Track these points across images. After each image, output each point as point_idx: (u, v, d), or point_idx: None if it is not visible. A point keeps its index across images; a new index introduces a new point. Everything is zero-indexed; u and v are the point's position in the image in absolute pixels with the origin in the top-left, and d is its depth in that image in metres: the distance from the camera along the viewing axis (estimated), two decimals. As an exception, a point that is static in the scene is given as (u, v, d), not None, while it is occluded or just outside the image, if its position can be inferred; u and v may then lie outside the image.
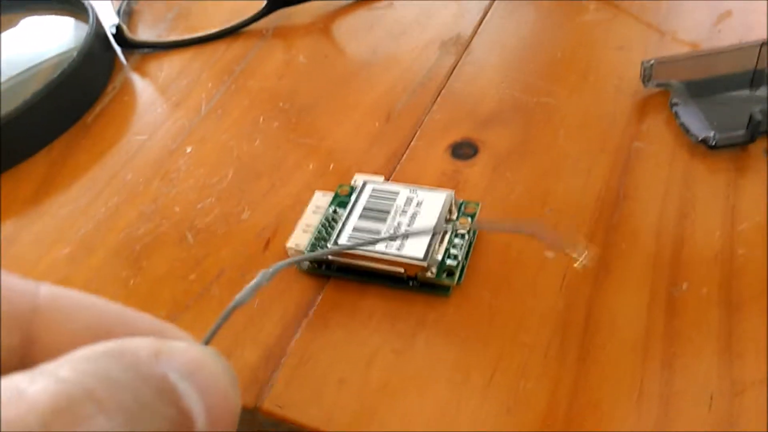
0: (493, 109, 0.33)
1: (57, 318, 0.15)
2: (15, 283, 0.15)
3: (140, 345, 0.13)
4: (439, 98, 0.34)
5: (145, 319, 0.16)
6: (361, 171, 0.31)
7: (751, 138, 0.28)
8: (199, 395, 0.14)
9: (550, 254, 0.26)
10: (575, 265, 0.25)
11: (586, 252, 0.25)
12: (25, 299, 0.15)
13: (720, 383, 0.22)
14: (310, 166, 0.32)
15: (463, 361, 0.24)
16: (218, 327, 0.18)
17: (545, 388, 0.23)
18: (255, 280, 0.19)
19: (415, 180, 0.30)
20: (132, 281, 0.28)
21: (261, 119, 0.35)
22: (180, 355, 0.14)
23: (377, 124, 0.34)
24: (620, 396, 0.22)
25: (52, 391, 0.11)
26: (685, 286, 0.25)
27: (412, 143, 0.32)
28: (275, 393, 0.23)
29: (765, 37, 0.31)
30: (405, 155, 0.32)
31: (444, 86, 0.35)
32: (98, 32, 0.39)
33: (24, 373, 0.12)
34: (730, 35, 0.35)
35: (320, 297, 0.26)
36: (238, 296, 0.18)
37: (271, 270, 0.19)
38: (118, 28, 0.40)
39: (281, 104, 0.36)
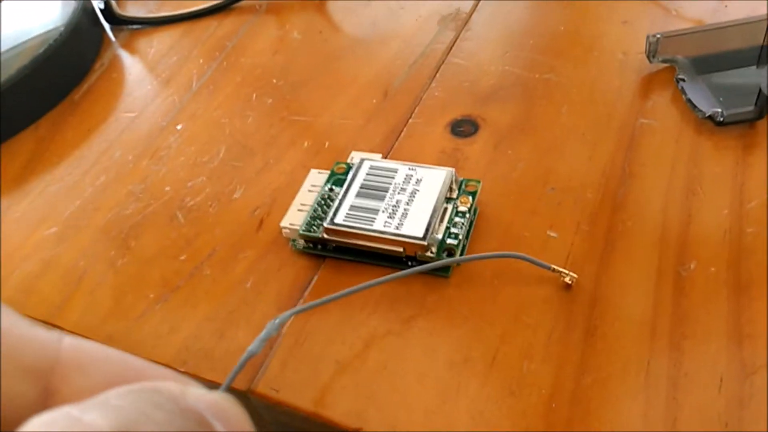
0: (493, 86, 0.32)
1: (78, 371, 0.15)
2: (38, 335, 0.15)
3: (169, 385, 0.14)
4: (438, 74, 0.33)
5: (166, 373, 0.16)
6: (357, 148, 0.30)
7: (760, 114, 0.28)
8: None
9: (553, 233, 0.26)
10: (566, 279, 0.24)
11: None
12: (47, 351, 0.15)
13: (729, 365, 0.21)
14: (305, 144, 0.31)
15: (464, 342, 0.23)
16: (232, 379, 0.20)
17: (550, 369, 0.22)
18: (264, 332, 0.21)
19: (413, 158, 0.29)
20: (120, 261, 0.27)
21: (254, 96, 0.34)
22: (205, 396, 0.14)
23: (374, 100, 0.33)
24: (627, 377, 0.21)
25: (112, 416, 0.12)
26: (692, 265, 0.24)
27: (410, 120, 0.31)
28: (270, 375, 0.23)
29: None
30: (403, 133, 0.31)
31: (443, 62, 0.34)
32: (86, 8, 0.38)
33: (70, 405, 0.12)
34: (736, 11, 0.34)
35: (316, 277, 0.25)
36: (250, 347, 0.21)
37: (278, 321, 0.21)
38: (107, 3, 0.39)
39: (274, 81, 0.35)
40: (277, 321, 0.21)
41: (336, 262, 0.26)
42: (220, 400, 0.15)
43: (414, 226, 0.24)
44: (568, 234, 0.25)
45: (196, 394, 0.14)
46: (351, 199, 0.26)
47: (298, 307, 0.23)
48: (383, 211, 0.25)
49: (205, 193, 0.29)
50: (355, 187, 0.26)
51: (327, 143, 0.31)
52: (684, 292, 0.23)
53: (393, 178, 0.26)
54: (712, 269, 0.24)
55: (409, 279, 0.25)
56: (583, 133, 0.29)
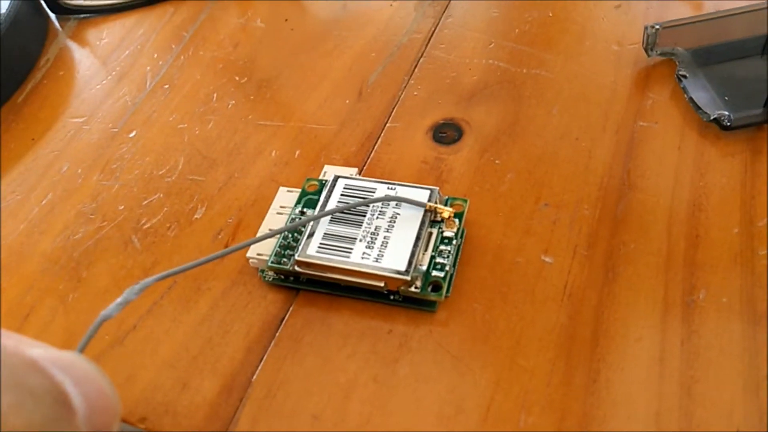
0: (477, 83, 0.29)
1: None
2: None
3: (5, 340, 0.14)
4: (416, 69, 0.31)
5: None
6: (330, 158, 0.27)
7: (770, 117, 0.25)
8: (76, 386, 0.15)
9: (548, 258, 0.23)
10: (443, 215, 0.22)
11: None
12: None
13: (746, 415, 0.19)
14: (273, 153, 0.28)
15: (455, 390, 0.21)
16: (85, 344, 0.19)
17: (550, 422, 0.20)
18: (121, 297, 0.19)
19: (392, 170, 0.26)
20: (71, 295, 0.24)
21: (214, 96, 0.31)
22: (52, 352, 0.15)
23: (348, 101, 0.30)
24: (635, 426, 0.19)
25: None
26: (702, 294, 0.22)
27: (387, 125, 0.28)
28: (239, 436, 0.20)
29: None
30: (380, 139, 0.28)
31: (422, 54, 0.31)
32: (25, -4, 0.34)
33: None
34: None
35: (288, 314, 0.23)
36: (104, 311, 0.19)
37: (138, 286, 0.20)
38: (49, -11, 0.35)
39: (237, 78, 0.31)
40: (137, 286, 0.20)
41: (311, 295, 0.23)
42: (67, 355, 0.15)
43: (395, 258, 0.22)
44: (565, 259, 0.23)
45: (44, 350, 0.15)
46: (324, 225, 0.23)
47: (162, 274, 0.20)
48: (360, 240, 0.23)
49: (163, 212, 0.26)
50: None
51: (297, 152, 0.28)
52: (693, 327, 0.21)
53: (371, 199, 0.24)
54: (724, 300, 0.22)
55: (391, 314, 0.23)
56: (576, 138, 0.27)
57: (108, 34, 0.35)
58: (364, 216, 0.23)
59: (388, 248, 0.22)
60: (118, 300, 0.19)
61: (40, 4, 0.35)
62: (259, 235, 0.24)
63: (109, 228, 0.26)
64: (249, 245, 0.23)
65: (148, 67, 0.33)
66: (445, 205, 0.24)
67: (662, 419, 0.19)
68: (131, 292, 0.20)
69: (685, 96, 0.27)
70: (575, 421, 0.20)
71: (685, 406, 0.20)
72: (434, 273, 0.22)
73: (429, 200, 0.23)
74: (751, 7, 0.28)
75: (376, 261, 0.22)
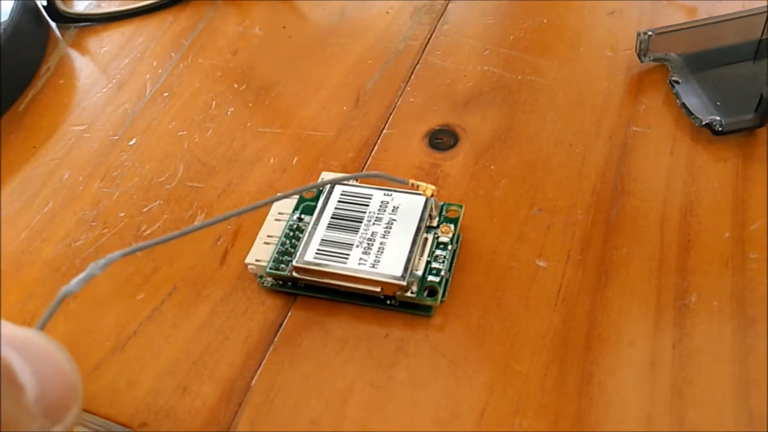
0: (472, 89, 0.30)
1: None
2: None
3: None
4: (412, 76, 0.31)
5: None
6: (328, 164, 0.28)
7: (761, 122, 0.26)
8: (30, 363, 0.14)
9: (542, 263, 0.24)
10: (426, 193, 0.23)
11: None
12: None
13: (737, 417, 0.20)
14: (271, 160, 0.28)
15: (450, 394, 0.21)
16: (47, 319, 0.19)
17: (544, 424, 0.20)
18: (85, 272, 0.19)
19: (389, 176, 0.27)
20: (72, 303, 0.25)
21: (213, 104, 0.31)
22: (8, 328, 0.14)
23: (345, 108, 0.30)
24: (628, 429, 0.20)
25: None
26: (693, 298, 0.22)
27: (384, 131, 0.29)
28: (238, 441, 0.21)
29: (772, 2, 0.28)
30: (377, 145, 0.28)
31: (418, 61, 0.32)
32: (27, 6, 0.34)
33: None
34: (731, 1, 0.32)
35: (286, 319, 0.23)
36: (66, 287, 0.19)
37: (103, 261, 0.19)
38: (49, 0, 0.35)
39: (236, 86, 0.32)
40: (102, 261, 0.19)
41: (309, 300, 0.24)
42: (23, 332, 0.15)
43: (391, 264, 0.22)
44: (559, 263, 0.23)
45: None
46: (321, 231, 0.23)
47: (127, 249, 0.20)
48: (357, 246, 0.23)
49: (163, 219, 0.27)
50: (326, 218, 0.24)
51: (295, 159, 0.28)
52: (685, 330, 0.21)
53: (367, 205, 0.24)
54: (715, 303, 0.22)
55: (387, 319, 0.23)
56: (570, 143, 0.27)
57: (108, 42, 0.35)
58: (361, 222, 0.24)
59: (384, 254, 0.23)
60: (81, 275, 0.19)
61: (41, 13, 0.36)
62: (256, 240, 0.24)
63: (110, 235, 0.27)
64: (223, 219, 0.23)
65: (148, 75, 0.33)
66: (441, 211, 0.24)
67: (654, 422, 0.20)
68: (95, 266, 0.19)
69: (678, 101, 0.27)
70: (569, 424, 0.20)
71: (677, 409, 0.20)
72: (430, 278, 0.23)
73: (425, 207, 0.24)
74: (743, 12, 0.29)
75: (373, 266, 0.22)
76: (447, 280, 0.23)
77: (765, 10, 0.28)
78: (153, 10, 0.36)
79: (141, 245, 0.21)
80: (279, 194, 0.23)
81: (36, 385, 0.14)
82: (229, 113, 0.31)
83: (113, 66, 0.34)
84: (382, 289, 0.22)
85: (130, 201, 0.28)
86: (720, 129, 0.26)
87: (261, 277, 0.24)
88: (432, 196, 0.23)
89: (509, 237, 0.24)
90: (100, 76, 0.33)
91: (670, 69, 0.29)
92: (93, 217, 0.27)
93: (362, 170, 0.27)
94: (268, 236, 0.24)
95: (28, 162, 0.30)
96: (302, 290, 0.24)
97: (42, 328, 0.18)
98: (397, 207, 0.24)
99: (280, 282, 0.24)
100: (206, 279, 0.25)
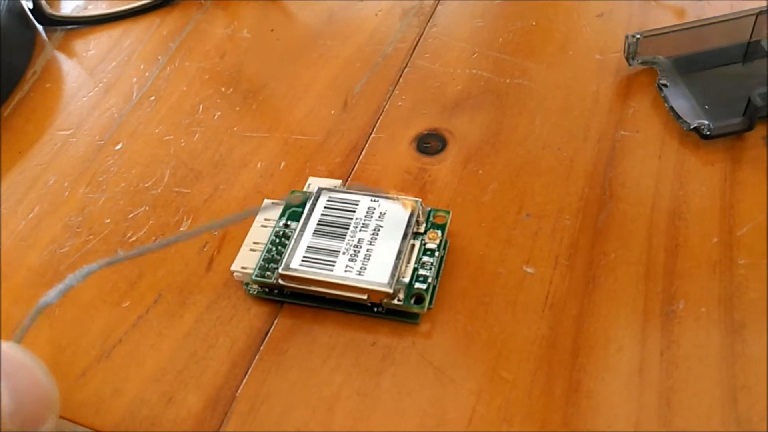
0: (461, 93, 0.30)
1: None
2: None
3: None
4: (401, 79, 0.31)
5: None
6: (315, 169, 0.28)
7: (749, 126, 0.26)
8: (4, 380, 0.14)
9: (529, 269, 0.23)
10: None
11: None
12: None
13: (724, 424, 0.20)
14: (258, 165, 0.28)
15: (437, 402, 0.21)
16: (25, 331, 0.19)
17: (531, 431, 0.20)
18: (63, 283, 0.19)
19: (376, 181, 0.27)
20: (57, 309, 0.25)
21: (200, 108, 0.31)
22: None
23: (333, 111, 0.30)
24: (614, 439, 0.20)
25: None
26: (681, 304, 0.22)
27: (372, 135, 0.29)
28: (223, 451, 0.20)
29: (760, 4, 0.28)
30: (365, 150, 0.28)
31: (407, 64, 0.31)
32: (12, 8, 0.34)
33: None
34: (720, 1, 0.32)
35: (272, 327, 0.23)
36: (44, 298, 0.19)
37: (85, 270, 0.20)
38: (35, 2, 0.35)
39: (223, 89, 0.32)
40: (80, 272, 0.20)
41: (296, 308, 0.24)
42: (3, 346, 0.15)
43: (378, 271, 0.22)
44: (547, 269, 0.23)
45: None
46: (308, 238, 0.23)
47: (107, 260, 0.20)
48: (344, 253, 0.23)
49: (149, 225, 0.27)
50: (312, 224, 0.24)
51: (282, 163, 0.28)
52: (673, 337, 0.21)
53: (354, 212, 0.24)
54: (703, 309, 0.22)
55: (374, 326, 0.23)
56: (558, 147, 0.27)
57: (95, 45, 0.35)
58: (348, 228, 0.23)
59: (371, 261, 0.22)
60: (60, 286, 0.19)
61: (27, 16, 0.35)
62: (242, 246, 0.24)
63: (95, 241, 0.26)
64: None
65: (135, 79, 0.33)
66: (428, 217, 0.24)
67: (641, 428, 0.20)
68: (74, 278, 0.19)
69: (666, 105, 0.27)
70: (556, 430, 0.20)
71: (664, 415, 0.20)
72: (417, 285, 0.22)
73: (412, 213, 0.23)
74: (732, 15, 0.28)
75: (359, 274, 0.22)
76: (434, 286, 0.23)
77: (754, 12, 0.28)
78: (140, 12, 0.36)
79: (121, 256, 0.21)
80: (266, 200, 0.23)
81: (11, 401, 0.14)
82: (216, 117, 0.30)
83: (100, 69, 0.34)
84: (368, 296, 0.22)
85: (116, 207, 0.27)
86: (708, 133, 0.26)
87: (247, 284, 0.24)
88: (413, 210, 0.23)
89: (497, 242, 0.24)
90: (87, 79, 0.33)
91: (658, 72, 0.28)
92: (78, 223, 0.27)
93: (350, 175, 0.27)
94: (255, 243, 0.24)
95: (13, 167, 0.30)
96: (288, 298, 0.23)
97: (20, 340, 0.18)
98: (384, 213, 0.24)
99: (266, 289, 0.24)
100: (192, 286, 0.25)
